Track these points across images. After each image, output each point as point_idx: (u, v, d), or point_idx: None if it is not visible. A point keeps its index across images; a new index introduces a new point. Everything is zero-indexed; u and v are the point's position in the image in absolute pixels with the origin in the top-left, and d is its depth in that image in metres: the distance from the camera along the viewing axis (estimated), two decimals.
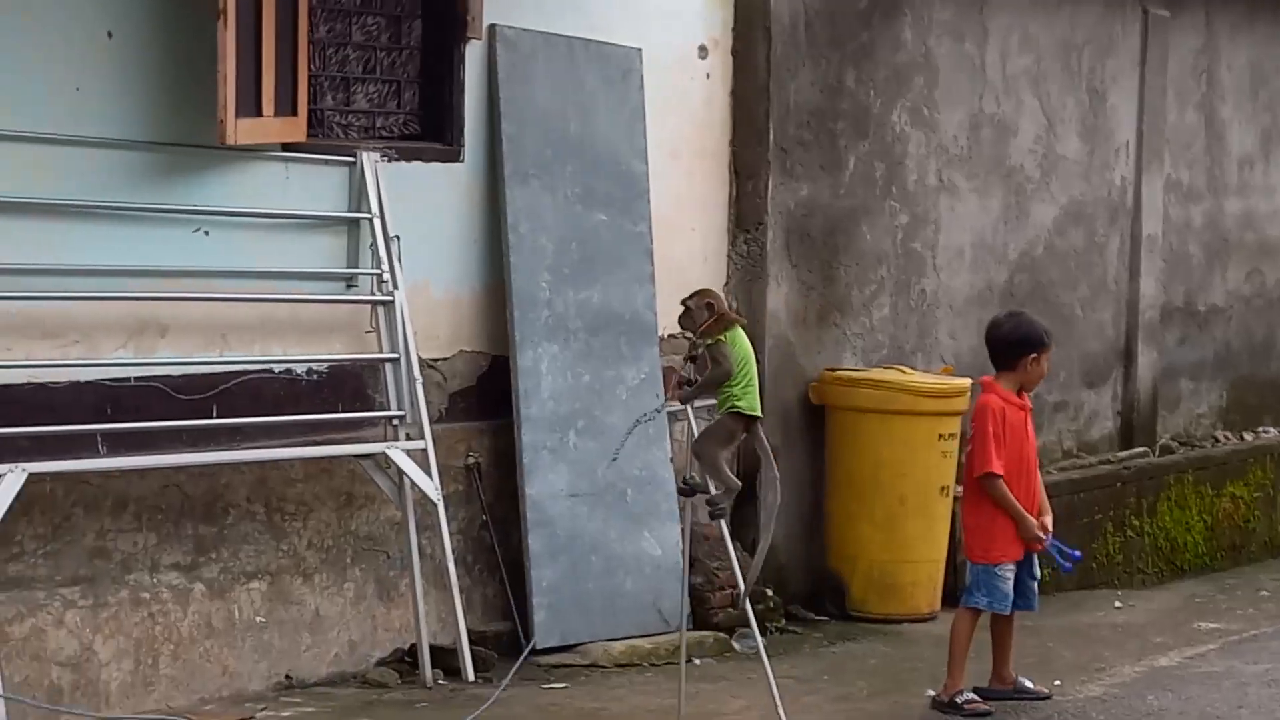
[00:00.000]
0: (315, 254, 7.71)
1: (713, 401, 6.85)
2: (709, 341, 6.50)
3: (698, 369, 6.81)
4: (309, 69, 7.53)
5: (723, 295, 6.63)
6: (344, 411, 7.73)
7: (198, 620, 7.24)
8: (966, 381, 9.31)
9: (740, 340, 6.54)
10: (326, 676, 7.60)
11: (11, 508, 6.46)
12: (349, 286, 7.81)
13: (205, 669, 7.25)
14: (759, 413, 6.63)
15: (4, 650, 6.46)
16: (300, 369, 7.63)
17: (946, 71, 10.20)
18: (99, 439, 6.94)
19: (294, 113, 7.43)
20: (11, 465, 6.46)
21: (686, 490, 6.79)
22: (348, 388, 7.78)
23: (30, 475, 6.51)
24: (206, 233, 7.30)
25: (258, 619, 7.41)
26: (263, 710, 7.07)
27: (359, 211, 7.76)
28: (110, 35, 6.97)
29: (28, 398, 6.76)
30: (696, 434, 7.11)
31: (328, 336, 7.71)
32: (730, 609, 8.67)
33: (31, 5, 6.75)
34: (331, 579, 7.69)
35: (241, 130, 7.10)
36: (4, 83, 6.67)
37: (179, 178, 7.22)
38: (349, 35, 8.03)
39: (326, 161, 7.72)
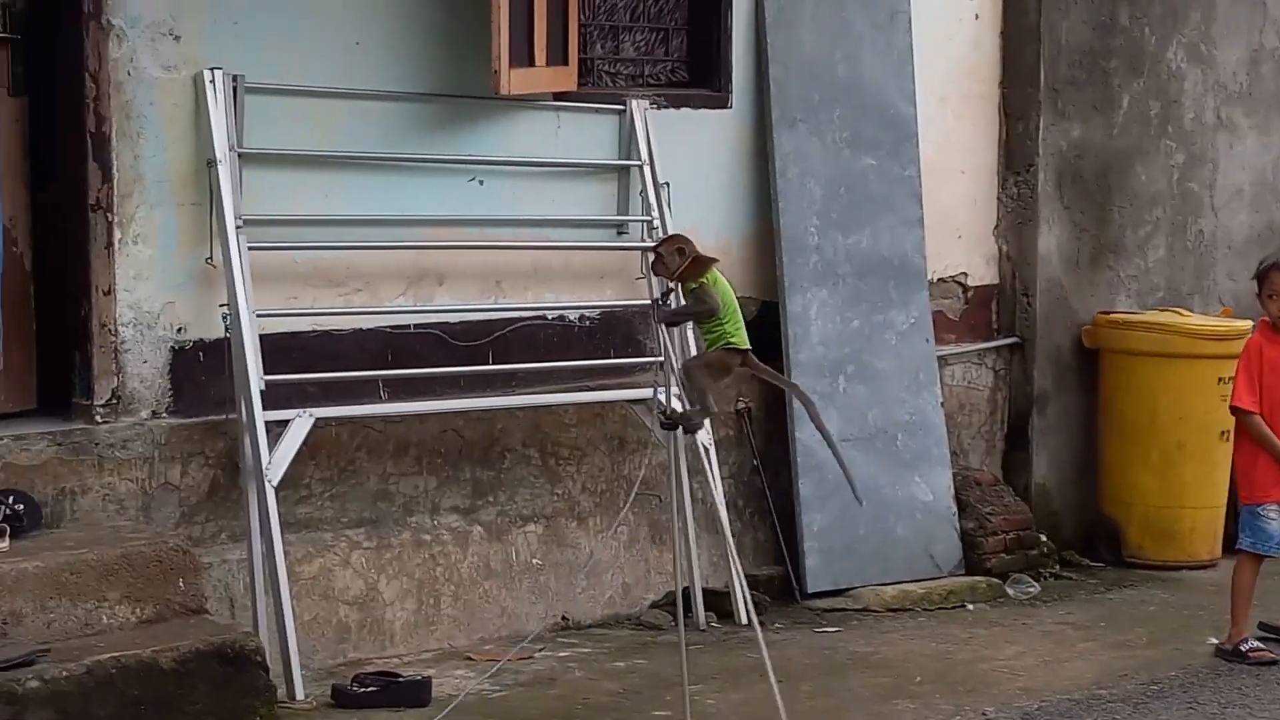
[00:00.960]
0: (586, 201, 7.80)
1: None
2: (692, 286, 6.29)
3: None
4: (579, 18, 7.60)
5: (692, 239, 6.28)
6: (615, 357, 7.82)
7: (476, 562, 7.40)
8: (1247, 323, 9.05)
9: (719, 280, 6.35)
10: (601, 618, 7.72)
11: (300, 451, 6.67)
12: (619, 233, 7.89)
13: (484, 609, 7.41)
14: (749, 345, 6.43)
15: (295, 588, 6.66)
16: (573, 315, 7.74)
17: (1224, 5, 9.90)
18: (381, 385, 7.13)
19: (565, 62, 7.51)
20: (299, 410, 6.66)
21: (669, 424, 6.44)
22: (619, 333, 7.87)
23: (317, 420, 6.71)
24: (481, 182, 7.43)
25: (534, 561, 7.55)
26: (540, 650, 7.21)
27: (629, 159, 7.83)
28: None
29: (313, 345, 6.97)
30: (676, 356, 6.86)
31: (599, 283, 7.81)
32: (1004, 554, 8.61)
33: None
34: (605, 522, 7.79)
35: (515, 80, 7.20)
36: (287, 39, 6.86)
37: (454, 128, 7.36)
38: None
39: (597, 110, 7.80)
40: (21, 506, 6.12)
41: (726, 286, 6.29)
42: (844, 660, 7.30)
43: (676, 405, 6.61)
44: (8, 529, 6.01)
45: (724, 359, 6.32)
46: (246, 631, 6.16)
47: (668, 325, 6.75)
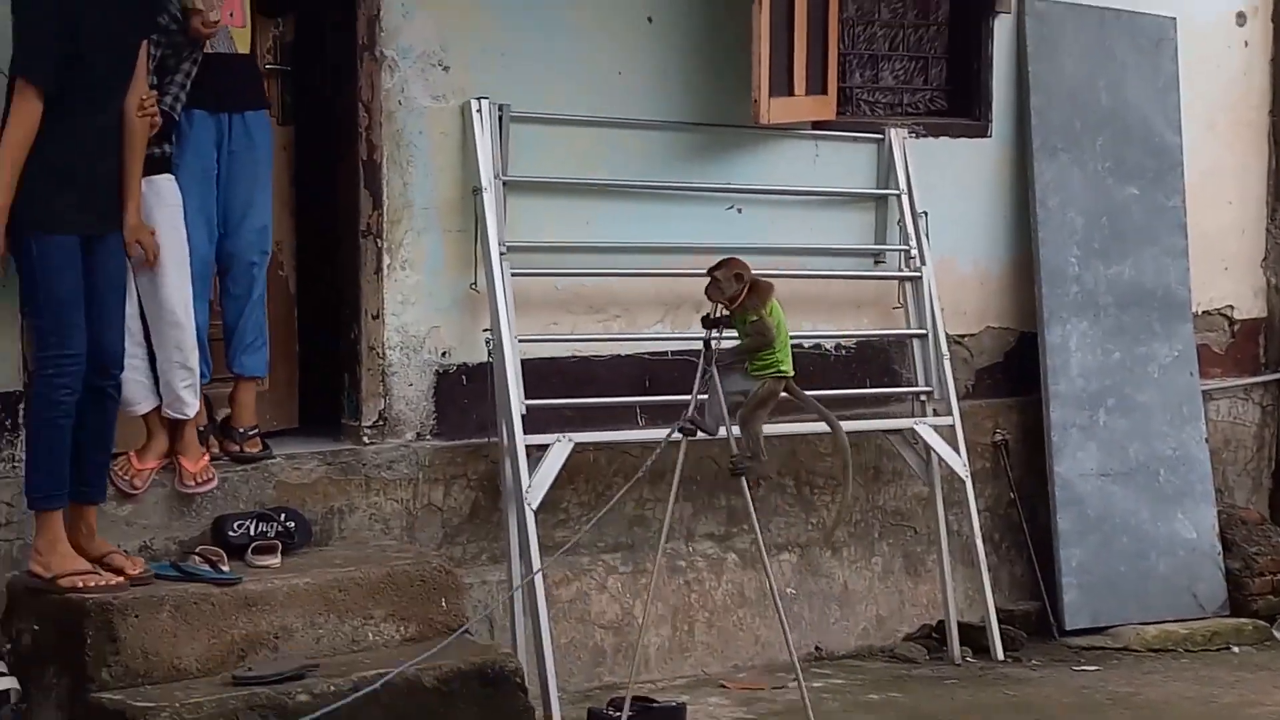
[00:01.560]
0: (843, 230, 7.78)
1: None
2: (752, 318, 6.14)
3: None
4: (838, 48, 7.59)
5: (748, 263, 6.14)
6: (872, 386, 7.78)
7: (731, 589, 7.40)
8: None
9: (775, 308, 6.20)
10: (854, 649, 7.67)
11: (558, 476, 6.73)
12: (876, 262, 7.85)
13: (738, 637, 7.41)
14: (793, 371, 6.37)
15: (552, 611, 6.72)
16: (829, 344, 7.72)
17: None
18: (638, 410, 7.18)
19: (824, 91, 7.51)
20: (558, 435, 6.73)
21: (738, 470, 6.18)
22: (875, 363, 7.83)
23: (575, 445, 6.78)
24: (740, 210, 7.46)
25: (788, 590, 7.53)
26: (793, 680, 7.16)
27: (886, 188, 7.79)
28: (650, 20, 7.20)
29: (572, 370, 7.05)
30: (724, 395, 6.29)
31: (856, 312, 7.77)
32: (1271, 596, 8.37)
33: None
34: (859, 553, 7.75)
35: (774, 109, 7.21)
36: (551, 69, 6.96)
37: (714, 157, 7.39)
38: (877, 13, 8.07)
39: (855, 139, 7.78)
40: (293, 524, 6.27)
41: (780, 311, 6.19)
42: (1103, 700, 7.14)
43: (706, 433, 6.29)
44: (280, 545, 6.16)
45: (772, 389, 6.21)
46: (506, 652, 6.23)
47: (721, 368, 6.22)
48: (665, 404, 7.16)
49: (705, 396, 6.16)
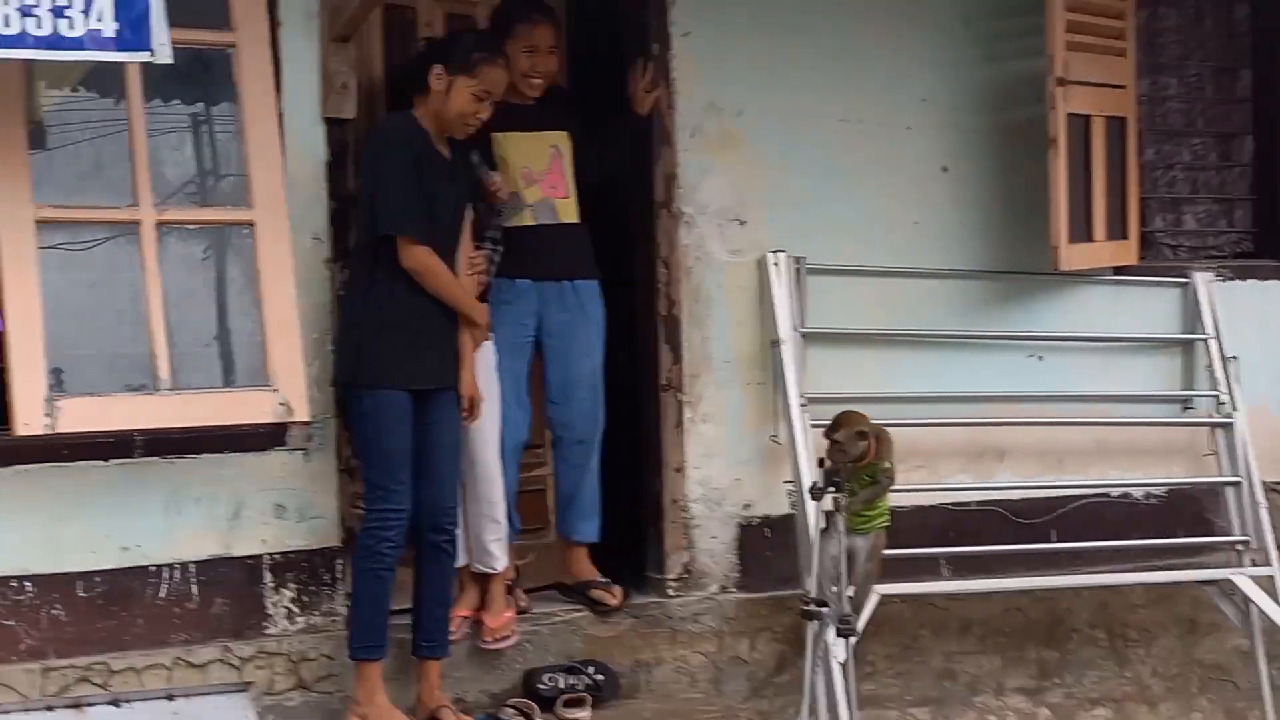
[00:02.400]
0: (1148, 376, 7.64)
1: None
2: (885, 465, 6.00)
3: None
4: (1138, 193, 7.51)
5: (865, 414, 5.99)
6: (1184, 536, 7.57)
7: None
8: None
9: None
10: None
11: (865, 629, 6.67)
12: (1185, 409, 7.67)
13: None
14: None
15: None
16: (1138, 492, 7.56)
17: None
18: (942, 562, 7.10)
19: (1124, 236, 7.42)
20: None
21: (847, 630, 5.77)
22: (1187, 511, 7.63)
23: (881, 597, 6.71)
24: (1040, 358, 7.38)
25: None
26: None
27: (1193, 333, 7.64)
28: (945, 169, 7.22)
29: None
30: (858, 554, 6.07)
31: (1165, 459, 7.60)
32: None
33: (870, 146, 7.08)
34: (1177, 709, 7.49)
35: (1073, 256, 7.15)
36: (847, 221, 7.01)
37: (1011, 304, 7.35)
38: (1177, 156, 7.97)
39: (1158, 283, 7.66)
40: (602, 677, 6.32)
41: None
42: None
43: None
44: (589, 699, 6.21)
45: (884, 541, 6.10)
46: None
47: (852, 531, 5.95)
48: (970, 555, 7.08)
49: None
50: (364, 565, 5.80)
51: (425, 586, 5.89)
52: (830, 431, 6.05)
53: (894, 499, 6.98)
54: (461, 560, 6.22)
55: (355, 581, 5.88)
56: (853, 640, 5.85)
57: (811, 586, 5.93)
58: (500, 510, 6.24)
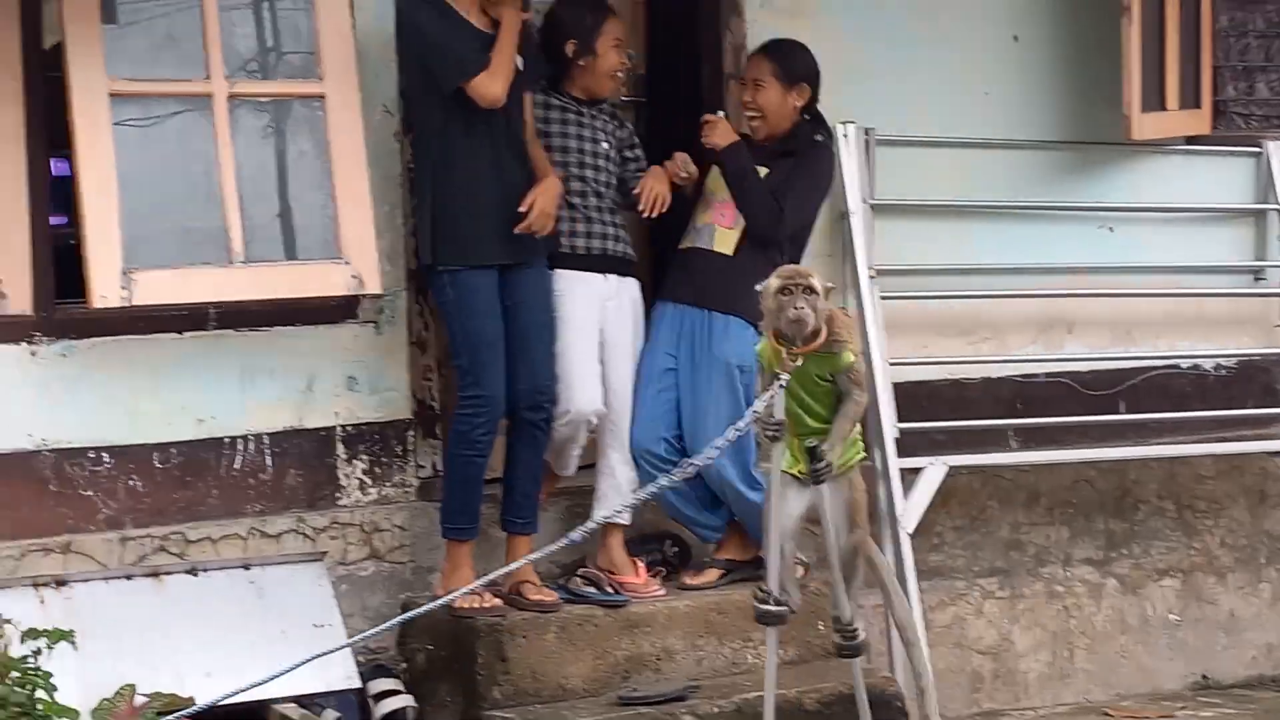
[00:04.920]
0: (1219, 247, 7.59)
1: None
2: (847, 358, 4.94)
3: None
4: (1212, 61, 7.41)
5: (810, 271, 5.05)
6: (1253, 407, 7.55)
7: (1111, 615, 7.24)
8: None
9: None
10: (1243, 678, 7.43)
11: (932, 500, 6.69)
12: (1256, 279, 7.63)
13: (1119, 664, 7.24)
14: None
15: (929, 636, 6.66)
16: (1207, 364, 7.53)
17: None
18: (1010, 434, 7.10)
19: (1197, 105, 7.34)
20: (932, 459, 6.68)
21: (850, 651, 5.27)
22: (1256, 382, 7.61)
23: (949, 468, 6.73)
24: (1111, 229, 7.34)
25: (1171, 616, 7.33)
26: (1180, 709, 6.99)
27: (1264, 203, 7.57)
28: (1016, 39, 7.15)
29: (945, 394, 7.01)
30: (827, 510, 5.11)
31: (1235, 330, 7.56)
32: None
33: (941, 15, 7.01)
34: (1246, 579, 7.50)
35: (1145, 125, 7.08)
36: (917, 92, 6.95)
37: (1082, 175, 7.29)
38: (1251, 24, 7.87)
39: (1230, 153, 7.59)
40: (676, 549, 6.36)
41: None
42: None
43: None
44: (664, 571, 6.26)
45: (863, 488, 5.21)
46: (887, 676, 6.20)
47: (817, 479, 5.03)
48: (1038, 426, 7.07)
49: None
50: (457, 451, 5.82)
51: (518, 464, 5.90)
52: (789, 280, 4.96)
53: (963, 371, 7.04)
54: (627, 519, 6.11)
55: (448, 465, 5.91)
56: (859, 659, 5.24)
57: (772, 579, 5.09)
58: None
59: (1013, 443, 7.10)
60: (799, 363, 4.92)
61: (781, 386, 4.94)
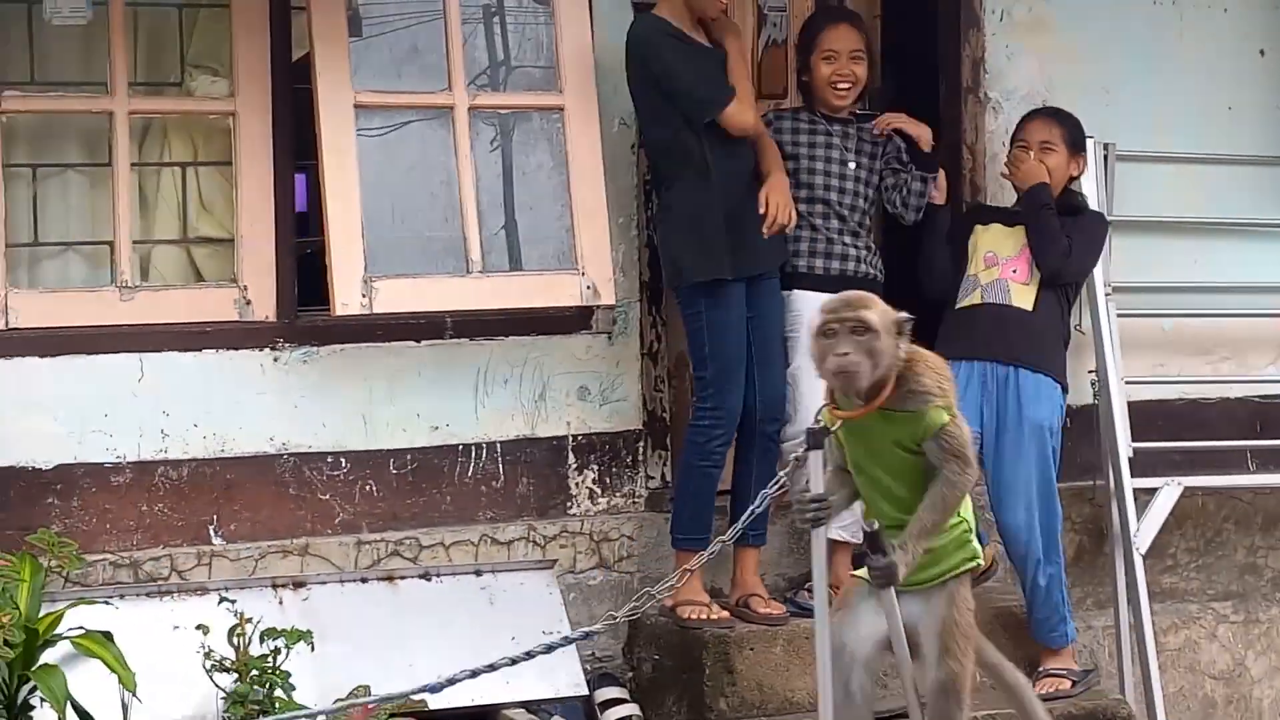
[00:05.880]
0: None
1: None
2: (941, 418, 3.96)
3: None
4: None
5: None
6: None
7: None
8: None
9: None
10: None
11: (1166, 520, 6.56)
12: None
13: None
14: None
15: (1160, 659, 6.54)
16: None
17: None
18: (1248, 455, 6.95)
19: None
20: (1167, 479, 6.55)
21: None
22: None
23: (1184, 489, 6.60)
24: None
25: None
26: None
27: None
28: (1263, 53, 6.99)
29: (1181, 413, 6.87)
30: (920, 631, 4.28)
31: None
32: None
33: (1185, 30, 6.88)
34: None
35: None
36: (1157, 106, 6.83)
37: None
38: None
39: None
40: None
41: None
42: None
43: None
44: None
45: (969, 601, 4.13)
46: (1118, 699, 6.11)
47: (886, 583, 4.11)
48: (1278, 449, 6.91)
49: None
50: (693, 461, 5.86)
51: (750, 476, 5.92)
52: (830, 320, 4.02)
53: (1201, 390, 6.90)
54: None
55: (682, 474, 5.94)
56: None
57: None
58: None
59: (1251, 464, 6.95)
60: (837, 426, 4.00)
61: (816, 449, 3.96)
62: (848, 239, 6.09)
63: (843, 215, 6.09)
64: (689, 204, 5.80)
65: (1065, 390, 6.17)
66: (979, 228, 6.24)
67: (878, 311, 3.98)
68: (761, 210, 5.81)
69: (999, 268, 6.15)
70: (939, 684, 4.21)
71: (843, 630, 4.12)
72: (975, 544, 4.19)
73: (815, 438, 4.04)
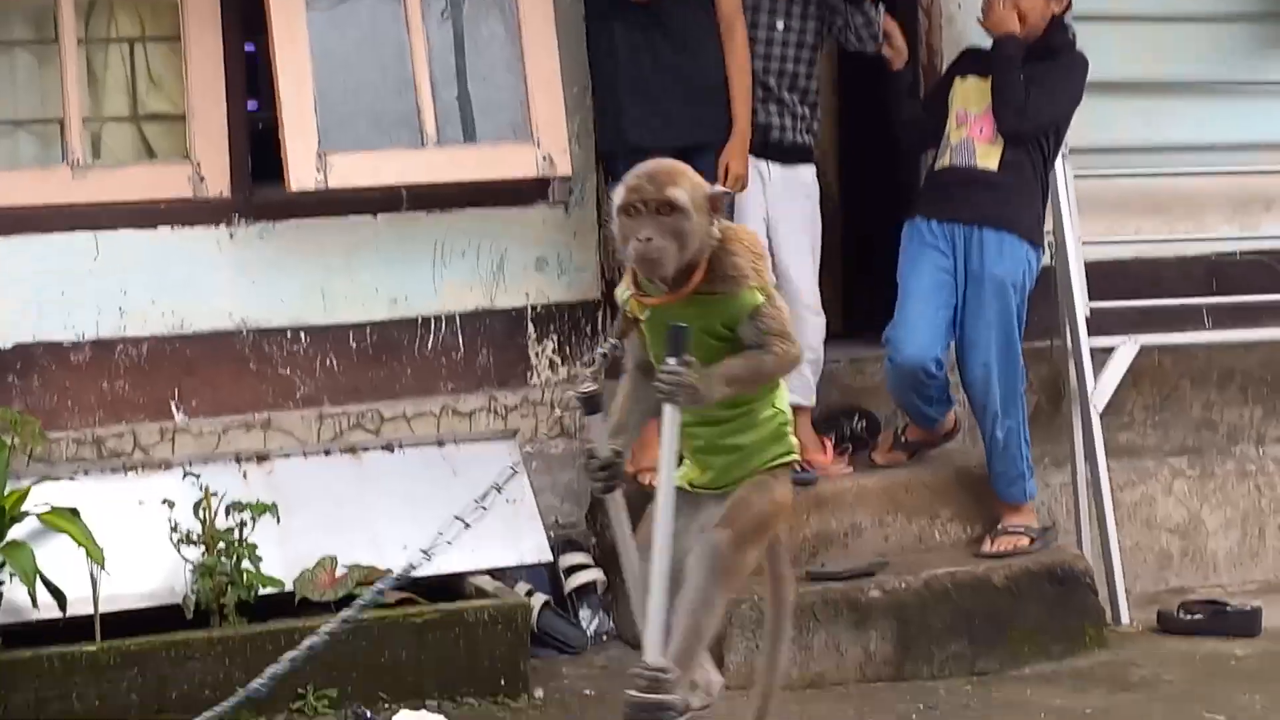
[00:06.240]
0: None
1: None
2: (755, 299, 3.58)
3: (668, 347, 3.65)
4: None
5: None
6: None
7: None
8: None
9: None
10: None
11: (1123, 379, 6.62)
12: None
13: None
14: None
15: (1117, 515, 6.62)
16: None
17: None
18: (1204, 312, 7.00)
19: None
20: (1124, 337, 6.61)
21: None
22: None
23: (1141, 347, 6.65)
24: None
25: None
26: None
27: None
28: None
29: (1136, 272, 6.91)
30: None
31: None
32: None
33: None
34: None
35: None
36: None
37: None
38: None
39: None
40: (864, 423, 6.39)
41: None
42: None
43: None
44: (849, 448, 6.29)
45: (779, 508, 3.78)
46: (1075, 554, 6.20)
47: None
48: (1234, 305, 6.96)
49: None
50: None
51: None
52: (632, 192, 3.57)
53: (1157, 250, 6.94)
54: None
55: None
56: None
57: (650, 647, 3.61)
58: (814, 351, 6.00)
59: (1207, 321, 7.00)
60: (646, 315, 3.55)
61: (604, 355, 3.68)
62: (772, 107, 6.03)
63: (766, 84, 6.01)
64: (602, 74, 5.83)
65: (1037, 247, 6.17)
66: (958, 80, 6.20)
67: (687, 188, 3.57)
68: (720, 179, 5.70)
69: (967, 126, 6.13)
70: (704, 549, 3.77)
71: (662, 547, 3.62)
72: (793, 439, 3.85)
73: (591, 403, 3.63)
